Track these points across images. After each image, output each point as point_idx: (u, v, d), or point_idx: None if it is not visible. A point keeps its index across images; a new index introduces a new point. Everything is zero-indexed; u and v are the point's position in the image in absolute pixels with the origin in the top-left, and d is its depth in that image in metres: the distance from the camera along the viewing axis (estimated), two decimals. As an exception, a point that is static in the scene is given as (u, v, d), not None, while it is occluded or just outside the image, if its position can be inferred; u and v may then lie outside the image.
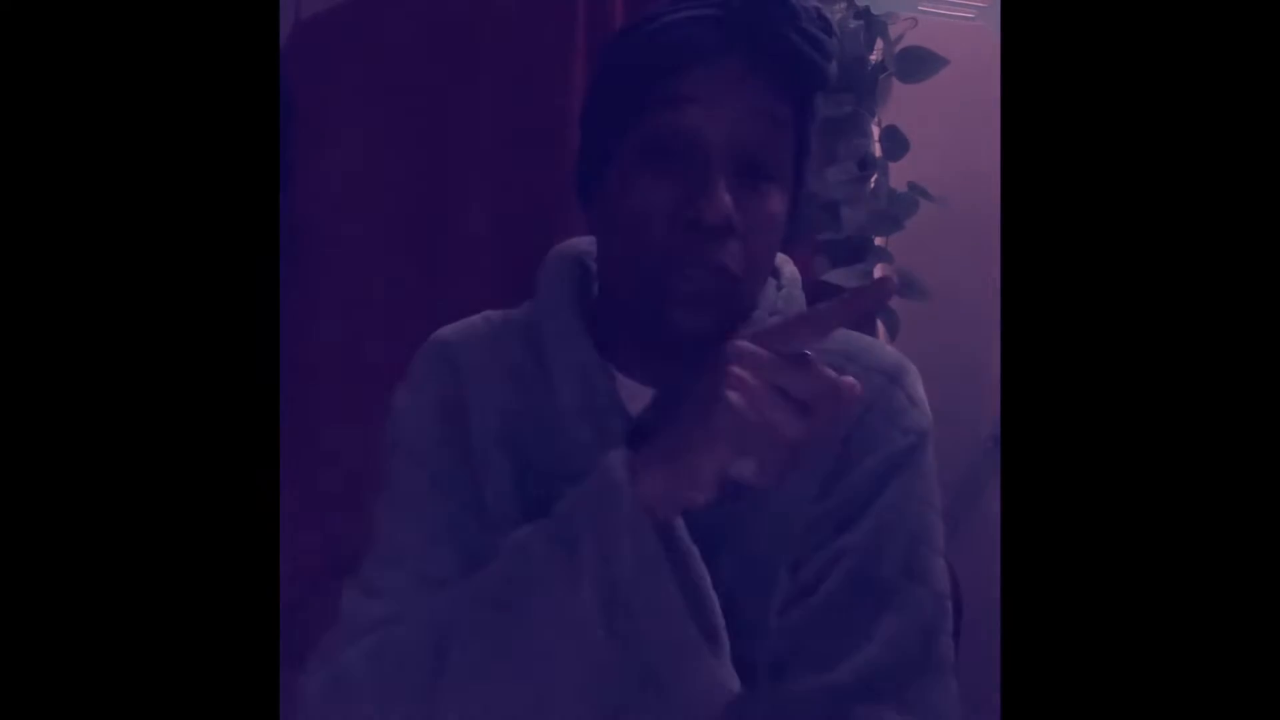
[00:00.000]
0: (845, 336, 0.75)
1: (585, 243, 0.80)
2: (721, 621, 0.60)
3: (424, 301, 1.40)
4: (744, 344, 0.55)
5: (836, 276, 1.40)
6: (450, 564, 0.69)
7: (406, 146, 1.44)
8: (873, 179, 1.44)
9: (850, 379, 0.54)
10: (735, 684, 0.59)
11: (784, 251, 0.81)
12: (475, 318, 0.80)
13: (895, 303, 1.45)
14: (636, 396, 0.71)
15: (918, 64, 1.45)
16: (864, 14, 1.45)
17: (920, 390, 0.73)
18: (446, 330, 0.79)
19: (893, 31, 1.46)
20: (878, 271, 1.47)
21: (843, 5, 1.45)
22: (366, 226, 1.44)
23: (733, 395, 0.54)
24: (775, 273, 0.78)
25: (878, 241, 1.46)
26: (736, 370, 0.54)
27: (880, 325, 1.45)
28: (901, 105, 1.51)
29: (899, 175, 1.45)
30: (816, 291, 1.39)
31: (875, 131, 1.47)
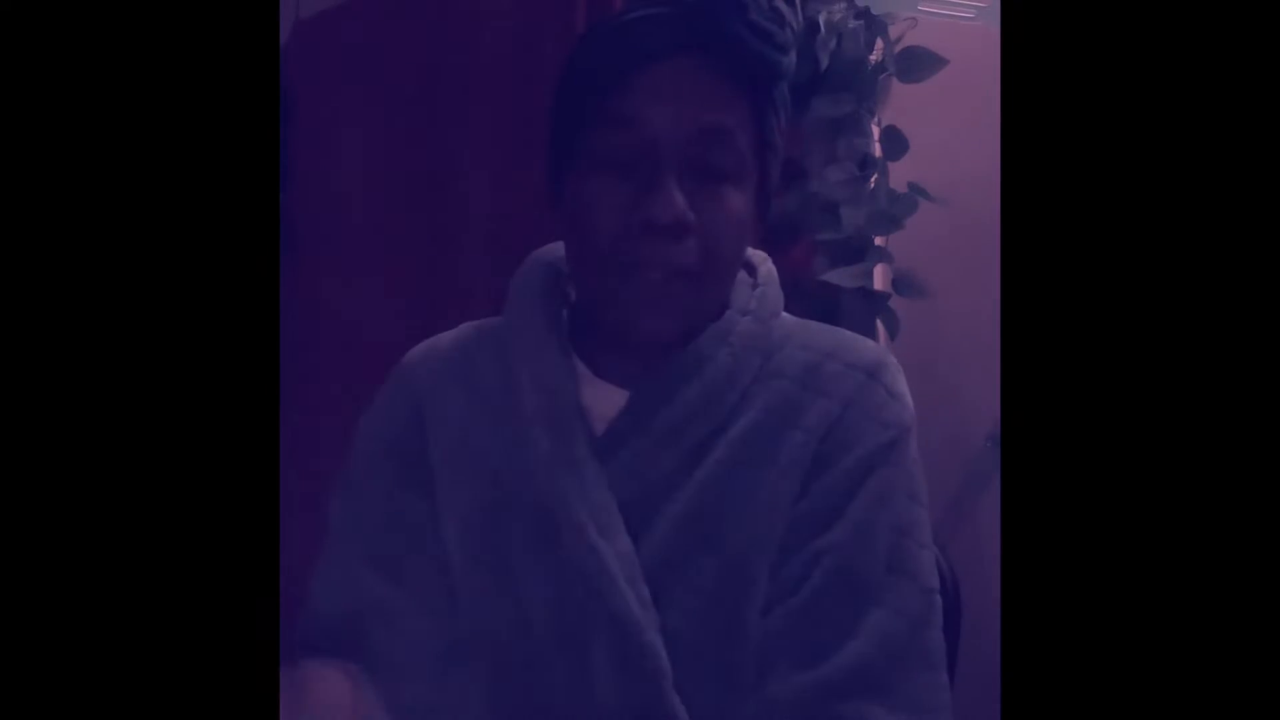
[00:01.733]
0: (825, 332, 0.75)
1: (562, 247, 0.80)
2: None
3: (424, 301, 1.40)
4: None
5: (836, 276, 1.40)
6: (343, 605, 0.70)
7: (406, 145, 1.44)
8: (873, 179, 1.44)
9: None
10: None
11: (781, 252, 0.80)
12: (453, 331, 0.80)
13: (895, 303, 1.45)
14: (613, 400, 0.71)
15: (918, 64, 1.45)
16: (864, 14, 1.45)
17: (901, 384, 0.72)
18: (415, 351, 0.80)
19: (893, 31, 1.46)
20: (878, 272, 1.47)
21: (843, 5, 1.45)
22: (366, 226, 1.44)
23: None
24: (751, 270, 0.77)
25: (878, 241, 1.46)
26: None
27: (880, 325, 1.45)
28: (901, 105, 1.51)
29: (899, 175, 1.45)
30: (809, 290, 1.39)
31: (875, 131, 1.47)
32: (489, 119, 1.41)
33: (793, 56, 0.70)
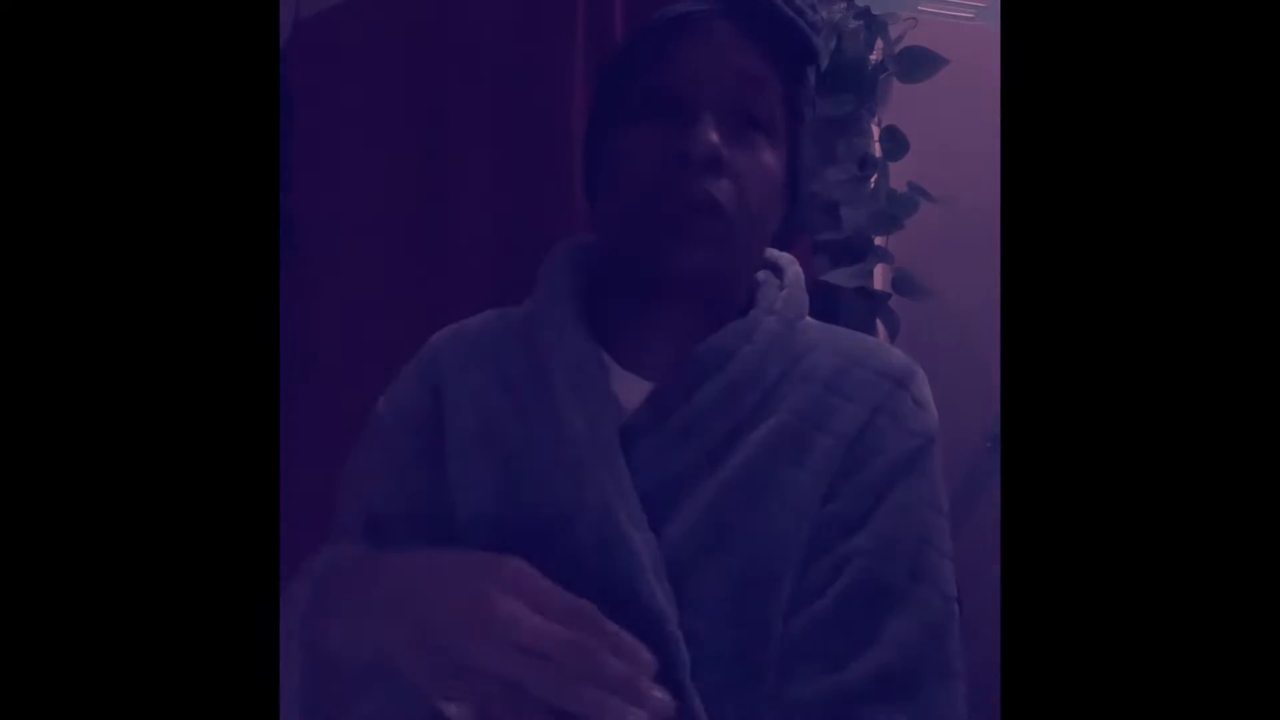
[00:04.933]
0: (853, 339, 0.76)
1: (587, 238, 0.80)
2: None
3: (424, 301, 1.40)
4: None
5: (836, 277, 1.40)
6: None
7: (406, 146, 1.44)
8: (873, 179, 1.44)
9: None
10: None
11: (781, 252, 0.81)
12: (480, 315, 0.80)
13: (895, 303, 1.45)
14: (637, 392, 0.71)
15: (918, 64, 1.45)
16: (864, 14, 1.45)
17: (927, 393, 0.73)
18: (442, 333, 0.80)
19: (893, 31, 1.46)
20: (878, 272, 1.47)
21: (843, 5, 1.45)
22: (366, 226, 1.44)
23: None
24: (778, 272, 0.78)
25: (878, 241, 1.46)
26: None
27: (880, 325, 1.45)
28: (901, 105, 1.51)
29: (899, 175, 1.45)
30: (810, 290, 1.39)
31: (875, 131, 1.47)
32: (490, 118, 1.41)
33: (821, 42, 0.72)
